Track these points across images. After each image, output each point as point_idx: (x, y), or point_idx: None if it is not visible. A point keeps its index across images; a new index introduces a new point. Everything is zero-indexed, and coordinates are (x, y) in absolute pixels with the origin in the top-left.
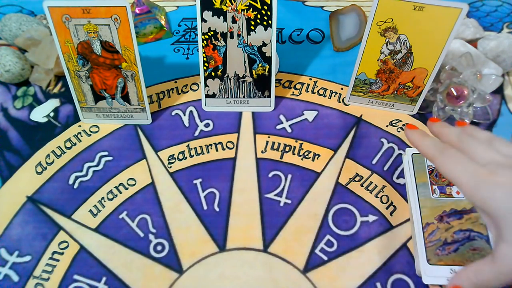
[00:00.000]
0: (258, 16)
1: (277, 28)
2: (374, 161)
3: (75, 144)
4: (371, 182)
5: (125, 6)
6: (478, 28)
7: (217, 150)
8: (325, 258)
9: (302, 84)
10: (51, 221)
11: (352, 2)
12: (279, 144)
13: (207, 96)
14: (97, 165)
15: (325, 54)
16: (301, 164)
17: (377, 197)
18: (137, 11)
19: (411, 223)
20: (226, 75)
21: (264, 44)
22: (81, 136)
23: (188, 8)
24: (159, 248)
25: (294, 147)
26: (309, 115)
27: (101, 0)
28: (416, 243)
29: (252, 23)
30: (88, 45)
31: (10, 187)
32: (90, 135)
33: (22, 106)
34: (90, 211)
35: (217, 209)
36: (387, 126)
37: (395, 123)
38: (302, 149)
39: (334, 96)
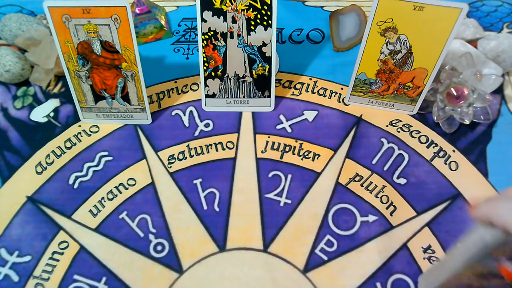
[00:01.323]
0: (258, 16)
1: (277, 28)
2: (374, 161)
3: (75, 144)
4: (371, 182)
5: (125, 6)
6: (478, 28)
7: (217, 150)
8: (325, 258)
9: (302, 84)
10: (51, 221)
11: (352, 2)
12: (279, 144)
13: (207, 96)
14: (97, 165)
15: (325, 54)
16: (301, 164)
17: (377, 197)
18: (137, 11)
19: (441, 266)
20: (226, 75)
21: (264, 44)
22: (81, 136)
23: (188, 8)
24: (159, 248)
25: (294, 147)
26: (309, 115)
27: (101, 0)
28: (435, 281)
29: (252, 23)
30: (88, 45)
31: (10, 187)
32: (90, 135)
33: (22, 106)
34: (90, 211)
35: (217, 209)
36: (387, 126)
37: (395, 123)
38: (302, 149)
39: (334, 96)
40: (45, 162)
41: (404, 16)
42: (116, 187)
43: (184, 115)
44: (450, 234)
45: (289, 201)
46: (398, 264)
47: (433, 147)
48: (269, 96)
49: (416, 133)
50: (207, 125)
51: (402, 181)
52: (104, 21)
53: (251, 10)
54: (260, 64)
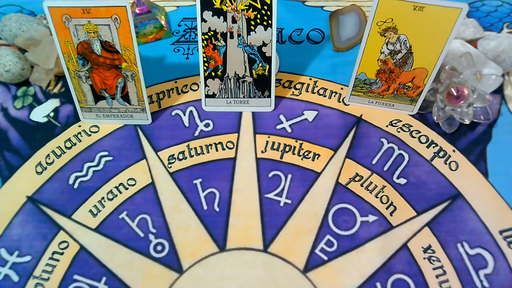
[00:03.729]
0: (258, 16)
1: (277, 28)
2: (374, 161)
3: (75, 144)
4: (371, 182)
5: (125, 6)
6: (478, 28)
7: (217, 150)
8: (325, 258)
9: (302, 84)
10: (51, 221)
11: (352, 2)
12: (279, 144)
13: (207, 96)
14: (97, 165)
15: (325, 54)
16: (301, 164)
17: (377, 197)
18: (137, 11)
19: None
20: (226, 75)
21: (264, 44)
22: (81, 136)
23: (188, 8)
24: (159, 248)
25: (294, 147)
26: (309, 115)
27: (101, 0)
28: None
29: (252, 23)
30: (88, 45)
31: (10, 187)
32: (90, 135)
33: (22, 106)
34: (90, 211)
35: (217, 209)
36: (387, 126)
37: (395, 123)
38: (302, 149)
39: (334, 96)
40: (45, 162)
41: (404, 16)
42: (116, 187)
43: (184, 115)
44: (450, 234)
45: (289, 201)
46: (398, 264)
47: (433, 147)
48: (269, 96)
49: (416, 133)
50: (207, 125)
51: (402, 181)
52: (104, 21)
53: (251, 10)
54: (260, 64)
